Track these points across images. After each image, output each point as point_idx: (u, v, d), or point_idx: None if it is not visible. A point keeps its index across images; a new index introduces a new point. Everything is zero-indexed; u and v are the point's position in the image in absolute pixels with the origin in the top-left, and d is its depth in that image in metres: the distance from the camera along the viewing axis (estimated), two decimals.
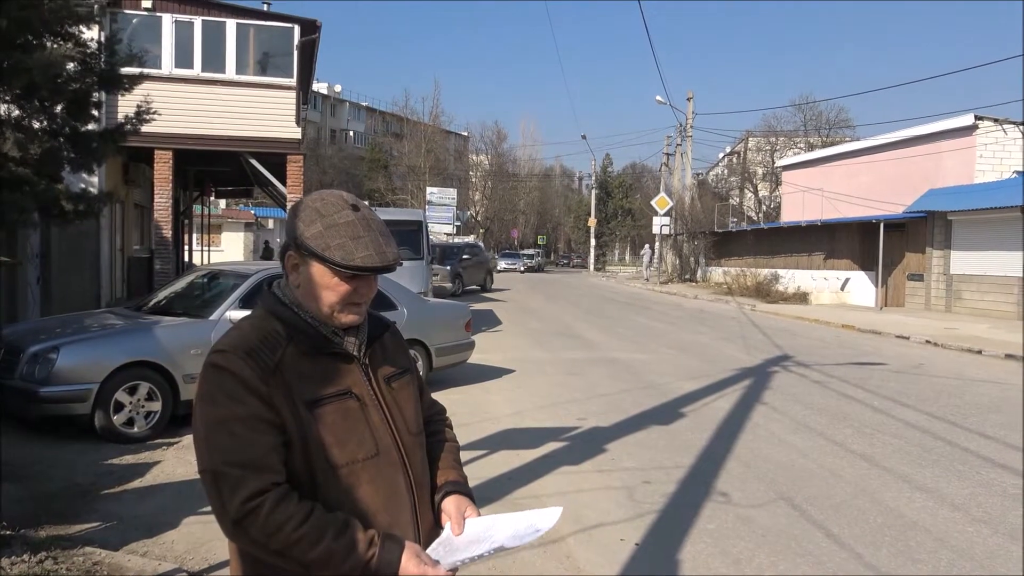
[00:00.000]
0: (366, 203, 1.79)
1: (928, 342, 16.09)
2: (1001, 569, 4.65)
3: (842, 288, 27.12)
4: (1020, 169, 23.23)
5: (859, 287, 26.54)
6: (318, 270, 1.70)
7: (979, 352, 14.62)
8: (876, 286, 25.34)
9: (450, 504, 1.87)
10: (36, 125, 6.48)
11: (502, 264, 56.01)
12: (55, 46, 6.20)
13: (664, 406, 9.24)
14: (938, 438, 7.87)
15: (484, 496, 5.35)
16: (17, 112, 6.25)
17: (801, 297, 27.30)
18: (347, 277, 1.69)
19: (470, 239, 54.70)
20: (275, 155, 16.46)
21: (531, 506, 5.59)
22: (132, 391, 7.22)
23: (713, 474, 6.53)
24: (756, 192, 55.49)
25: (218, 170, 20.98)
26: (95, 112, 7.02)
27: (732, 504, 5.78)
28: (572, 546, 4.92)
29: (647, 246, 48.02)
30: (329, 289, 1.70)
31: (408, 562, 1.62)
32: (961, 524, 5.43)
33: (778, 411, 9.02)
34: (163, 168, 15.76)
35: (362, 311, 1.77)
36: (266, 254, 30.86)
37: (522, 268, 56.40)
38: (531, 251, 64.98)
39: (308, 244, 1.68)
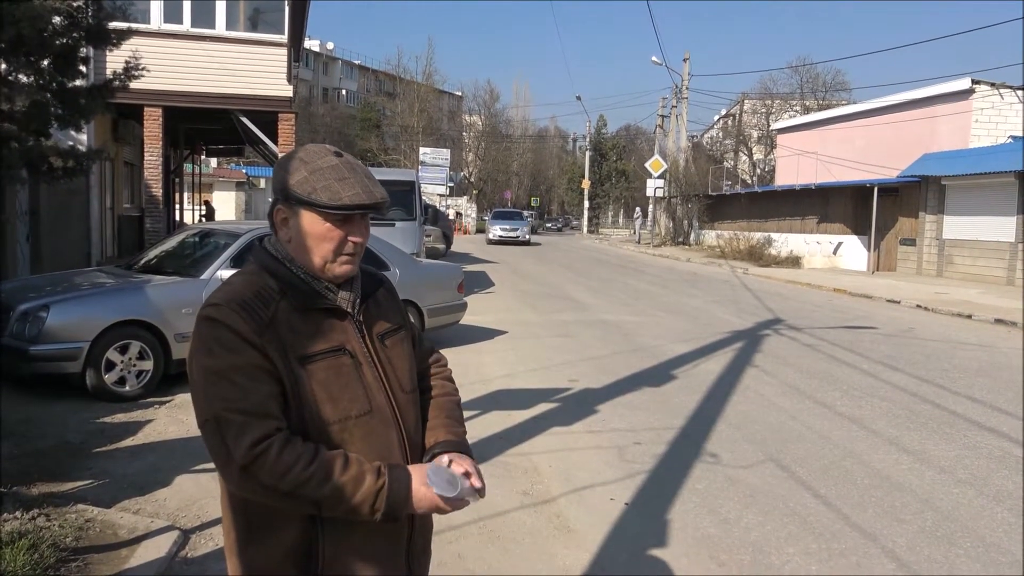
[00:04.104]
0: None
1: (919, 306, 16.17)
2: (984, 530, 4.72)
3: (835, 252, 27.16)
4: (1015, 134, 23.17)
5: (852, 251, 26.58)
6: (308, 218, 1.69)
7: (969, 317, 14.70)
8: (868, 250, 25.39)
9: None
10: (23, 80, 6.37)
11: (496, 231, 38.84)
12: None
13: (655, 368, 9.28)
14: (926, 401, 7.94)
15: (475, 457, 5.38)
16: (3, 66, 6.14)
17: (794, 261, 27.37)
18: (337, 220, 1.68)
19: (463, 200, 54.34)
20: (266, 113, 16.28)
21: (521, 465, 5.64)
22: (123, 350, 7.20)
23: (703, 435, 6.58)
24: (751, 155, 55.30)
25: (209, 128, 20.75)
26: (82, 68, 6.90)
27: (721, 465, 5.83)
28: (563, 505, 4.96)
29: (638, 209, 47.73)
30: (321, 237, 1.69)
31: (420, 486, 1.65)
32: (947, 486, 5.50)
33: (768, 374, 9.08)
34: (153, 126, 15.57)
35: (355, 262, 1.75)
36: (208, 214, 29.86)
37: (526, 235, 39.22)
38: (526, 213, 55.48)
39: (294, 192, 1.67)
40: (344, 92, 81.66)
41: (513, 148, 75.27)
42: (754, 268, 25.93)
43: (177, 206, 25.52)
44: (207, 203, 30.77)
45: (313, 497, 1.57)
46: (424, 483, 1.65)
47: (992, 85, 24.02)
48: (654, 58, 38.57)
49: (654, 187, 39.05)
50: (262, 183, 45.69)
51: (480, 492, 1.76)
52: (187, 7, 15.38)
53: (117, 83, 7.30)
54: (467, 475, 1.75)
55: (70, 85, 6.68)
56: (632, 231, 50.77)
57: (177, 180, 25.32)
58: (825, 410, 7.52)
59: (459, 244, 35.83)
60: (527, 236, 39.24)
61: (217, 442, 1.57)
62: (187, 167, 27.50)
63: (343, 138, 62.52)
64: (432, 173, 45.32)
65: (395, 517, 1.64)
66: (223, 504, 1.74)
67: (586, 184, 62.46)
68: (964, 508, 5.08)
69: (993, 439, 6.68)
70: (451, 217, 42.31)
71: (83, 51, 6.93)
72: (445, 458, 1.79)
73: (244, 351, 1.60)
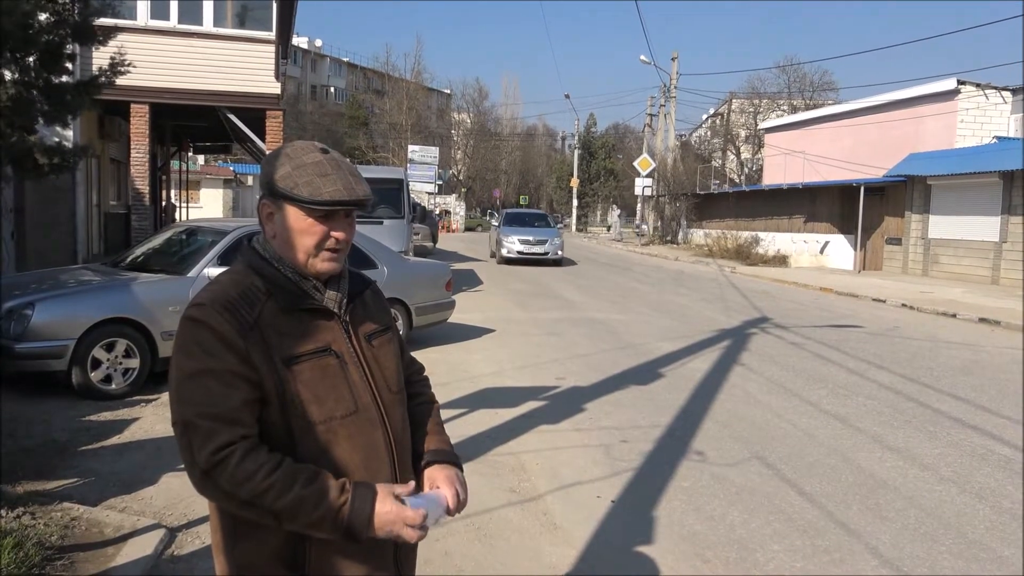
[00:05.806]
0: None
1: (904, 305, 16.27)
2: (966, 527, 4.77)
3: (821, 251, 27.31)
4: (1000, 134, 23.34)
5: (838, 250, 26.73)
6: (291, 213, 1.70)
7: (954, 316, 14.81)
8: (855, 249, 25.53)
9: (437, 473, 1.88)
10: (8, 76, 6.33)
11: (512, 245, 25.21)
12: None
13: (642, 366, 9.31)
14: (910, 399, 8.01)
15: (462, 455, 5.39)
16: None
17: (781, 260, 27.49)
18: (319, 216, 1.69)
19: (451, 198, 54.27)
20: (254, 110, 16.22)
21: (509, 463, 5.66)
22: (110, 348, 7.17)
23: (689, 433, 6.62)
24: (738, 154, 55.50)
25: (196, 125, 20.65)
26: (68, 65, 6.86)
27: (707, 463, 5.87)
28: (549, 503, 4.98)
29: (614, 206, 47.72)
30: (303, 232, 1.70)
31: (383, 505, 1.61)
32: (930, 483, 5.55)
33: (755, 372, 9.13)
34: (139, 122, 15.48)
35: (340, 259, 1.75)
36: (166, 210, 29.38)
37: (558, 251, 25.31)
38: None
39: (278, 187, 1.69)
40: (332, 89, 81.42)
41: (502, 146, 75.31)
42: (741, 267, 26.03)
43: (164, 203, 25.35)
44: (169, 200, 29.99)
45: (272, 508, 1.56)
46: (389, 499, 1.62)
47: (977, 86, 24.19)
48: (642, 57, 38.57)
49: (642, 186, 39.15)
50: (250, 180, 45.49)
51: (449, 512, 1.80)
52: (174, 4, 15.29)
53: (103, 79, 7.26)
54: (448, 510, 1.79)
55: (56, 81, 6.64)
56: (616, 230, 50.88)
57: (164, 177, 25.18)
58: (810, 408, 7.57)
59: (447, 242, 35.83)
60: (559, 252, 25.50)
61: (184, 445, 1.58)
62: (174, 164, 27.33)
63: (331, 135, 62.33)
64: (421, 171, 45.18)
65: (356, 537, 1.60)
66: (210, 506, 1.74)
67: (575, 182, 62.45)
68: (947, 505, 5.13)
69: (976, 437, 6.74)
70: (437, 214, 42.22)
71: (69, 48, 6.89)
72: (442, 488, 1.81)
73: (222, 355, 1.60)
